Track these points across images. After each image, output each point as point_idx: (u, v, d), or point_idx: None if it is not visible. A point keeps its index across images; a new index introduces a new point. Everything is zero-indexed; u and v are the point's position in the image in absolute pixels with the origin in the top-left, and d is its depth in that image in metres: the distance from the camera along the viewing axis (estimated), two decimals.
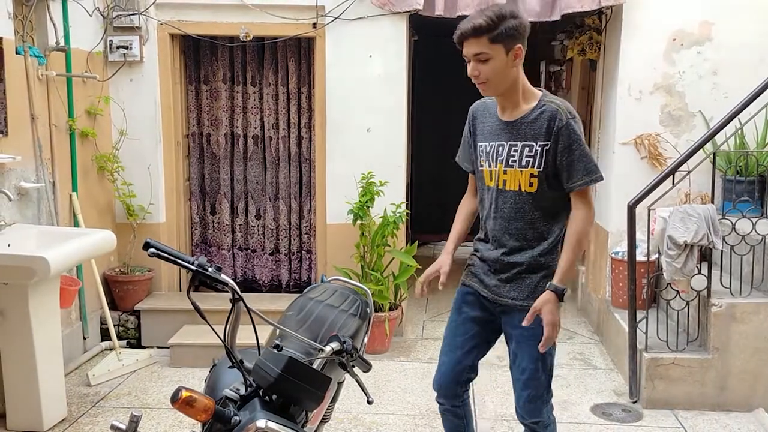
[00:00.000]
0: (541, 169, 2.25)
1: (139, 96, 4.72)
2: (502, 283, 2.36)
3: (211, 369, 2.25)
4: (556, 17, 4.45)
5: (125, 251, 4.70)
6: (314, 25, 4.65)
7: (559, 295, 2.24)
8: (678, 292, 3.75)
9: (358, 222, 4.53)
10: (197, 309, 1.90)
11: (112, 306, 4.66)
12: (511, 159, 2.28)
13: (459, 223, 2.55)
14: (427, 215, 6.91)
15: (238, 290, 1.91)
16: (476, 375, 2.60)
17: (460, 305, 2.53)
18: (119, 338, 4.50)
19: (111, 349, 4.36)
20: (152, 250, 1.85)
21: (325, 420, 2.59)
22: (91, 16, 4.45)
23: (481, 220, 2.47)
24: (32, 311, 3.30)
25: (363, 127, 4.72)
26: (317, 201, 4.95)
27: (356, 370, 2.14)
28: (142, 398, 3.87)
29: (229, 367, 1.99)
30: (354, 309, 2.52)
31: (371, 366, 2.17)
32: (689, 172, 3.74)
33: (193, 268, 1.87)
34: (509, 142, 2.29)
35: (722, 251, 3.74)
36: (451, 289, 2.62)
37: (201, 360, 4.11)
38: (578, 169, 2.23)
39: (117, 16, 4.58)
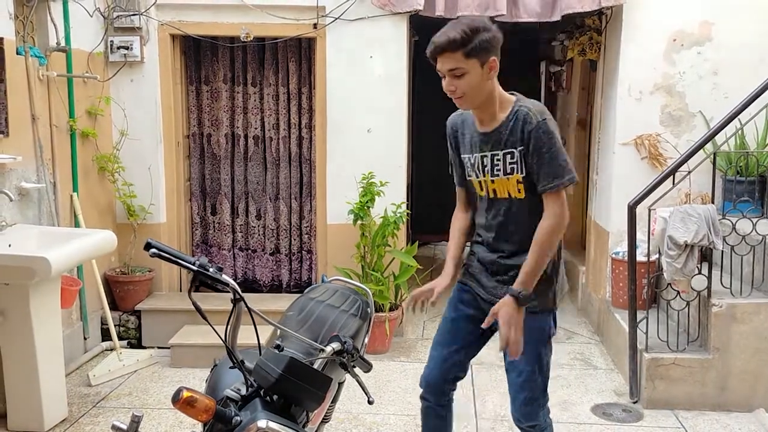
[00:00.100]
0: (525, 174, 2.23)
1: (139, 96, 4.72)
2: (500, 284, 2.35)
3: (212, 369, 2.25)
4: (556, 18, 4.46)
5: (126, 251, 4.70)
6: (315, 26, 4.65)
7: (517, 298, 2.18)
8: (678, 293, 3.75)
9: (359, 222, 4.53)
10: (198, 309, 1.90)
11: (113, 306, 4.67)
12: (496, 168, 2.27)
13: (454, 243, 2.50)
14: (428, 215, 6.91)
15: (239, 290, 1.91)
16: (465, 374, 2.57)
17: (456, 303, 2.53)
18: (120, 338, 4.51)
19: (112, 350, 4.37)
20: (153, 250, 1.85)
21: (325, 420, 2.59)
22: (91, 16, 4.45)
23: (477, 226, 2.46)
24: (33, 311, 3.31)
25: (363, 127, 4.72)
26: (318, 201, 4.95)
27: (357, 370, 2.14)
28: (143, 398, 3.88)
29: (230, 368, 1.99)
30: (354, 309, 2.52)
31: (372, 366, 2.17)
32: (689, 172, 3.74)
33: (194, 268, 1.88)
34: (491, 152, 2.27)
35: (722, 251, 3.74)
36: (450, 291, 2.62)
37: (201, 360, 4.11)
38: (547, 171, 2.18)
39: (118, 16, 4.58)
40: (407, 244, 5.07)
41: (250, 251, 5.23)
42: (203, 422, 1.84)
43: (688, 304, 3.76)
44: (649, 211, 3.79)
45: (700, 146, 3.77)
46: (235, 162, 5.13)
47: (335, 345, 2.07)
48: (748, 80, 3.99)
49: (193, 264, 1.88)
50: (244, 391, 1.94)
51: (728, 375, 3.70)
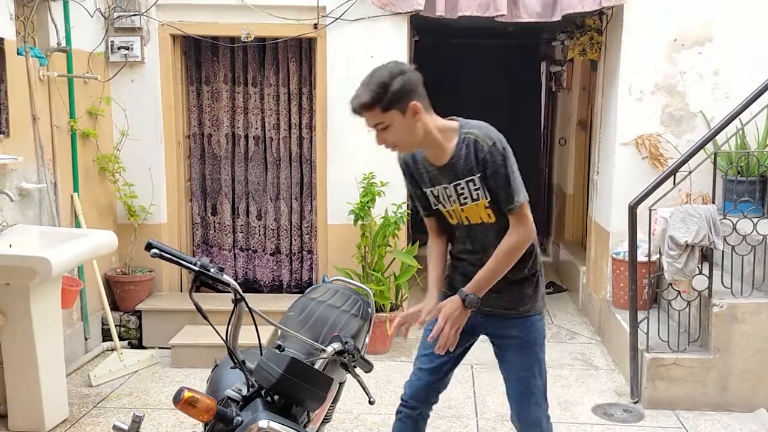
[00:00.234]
0: (490, 198, 2.22)
1: (140, 97, 4.72)
2: (489, 293, 2.29)
3: (213, 369, 2.26)
4: (557, 18, 4.45)
5: (126, 252, 4.70)
6: (315, 26, 4.65)
7: (463, 300, 2.18)
8: (679, 293, 3.75)
9: (359, 222, 4.53)
10: (200, 309, 1.90)
11: (114, 306, 4.67)
12: (463, 197, 2.25)
13: (435, 267, 2.45)
14: None
15: (240, 291, 1.91)
16: (446, 386, 2.55)
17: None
18: (120, 339, 4.51)
19: (112, 350, 4.37)
20: (155, 250, 1.85)
21: (326, 420, 2.59)
22: (92, 16, 4.45)
23: (459, 252, 2.41)
24: (34, 312, 3.31)
25: (364, 127, 4.69)
26: (318, 201, 4.95)
27: (358, 370, 2.14)
28: (144, 399, 3.88)
29: (231, 368, 1.99)
30: (355, 309, 2.52)
31: (373, 366, 2.17)
32: (690, 172, 3.74)
33: (196, 268, 1.88)
34: (452, 183, 2.25)
35: (723, 251, 3.74)
36: None
37: (202, 360, 4.10)
38: (509, 192, 2.18)
39: (118, 17, 4.58)
40: (408, 245, 5.07)
41: (250, 251, 5.23)
42: (204, 422, 1.84)
43: (688, 304, 3.76)
44: (650, 211, 3.79)
45: (701, 146, 3.77)
46: (236, 162, 5.13)
47: (336, 345, 2.07)
48: (748, 80, 3.98)
49: (195, 264, 1.88)
50: (245, 392, 1.94)
51: (729, 375, 3.70)
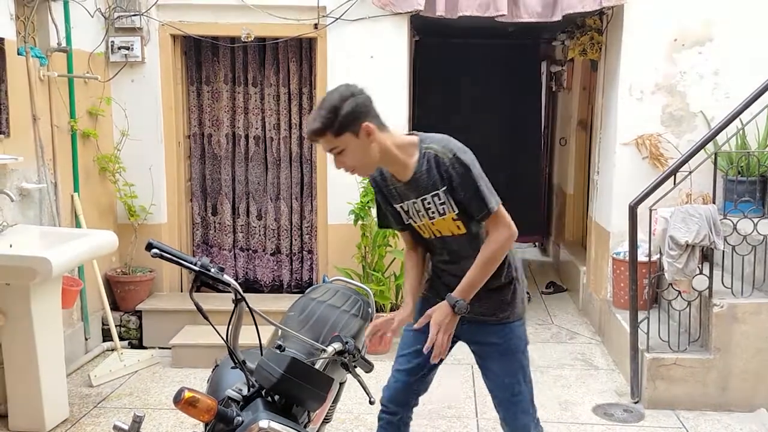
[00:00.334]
0: (457, 210, 2.21)
1: (140, 97, 4.72)
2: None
3: (213, 369, 2.26)
4: (557, 18, 4.45)
5: (127, 252, 4.70)
6: (315, 26, 4.65)
7: (452, 306, 2.19)
8: (679, 293, 3.75)
9: (360, 222, 4.53)
10: (200, 310, 1.90)
11: (114, 306, 4.67)
12: (430, 211, 2.24)
13: (410, 277, 2.47)
14: None
15: (240, 291, 1.91)
16: (426, 389, 2.55)
17: (418, 316, 2.40)
18: (121, 339, 4.51)
19: (113, 350, 4.37)
20: (155, 250, 1.85)
21: (327, 420, 2.60)
22: (92, 17, 4.45)
23: (438, 263, 2.41)
24: (34, 312, 3.31)
25: None
26: (318, 201, 4.95)
27: (358, 370, 2.14)
28: (144, 399, 3.88)
29: (232, 368, 1.99)
30: (356, 309, 2.53)
31: (373, 366, 2.17)
32: (690, 172, 3.74)
33: (196, 268, 1.88)
34: (419, 198, 2.24)
35: (724, 251, 3.74)
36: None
37: (202, 360, 4.10)
38: (477, 203, 2.17)
39: (118, 17, 4.58)
40: None
41: (251, 251, 5.23)
42: (205, 422, 1.84)
43: (689, 304, 3.76)
44: (650, 211, 3.79)
45: (701, 146, 3.77)
46: (236, 162, 5.13)
47: (337, 345, 2.07)
48: (749, 80, 3.98)
49: (195, 264, 1.88)
50: (245, 392, 1.95)
51: (729, 375, 3.70)
